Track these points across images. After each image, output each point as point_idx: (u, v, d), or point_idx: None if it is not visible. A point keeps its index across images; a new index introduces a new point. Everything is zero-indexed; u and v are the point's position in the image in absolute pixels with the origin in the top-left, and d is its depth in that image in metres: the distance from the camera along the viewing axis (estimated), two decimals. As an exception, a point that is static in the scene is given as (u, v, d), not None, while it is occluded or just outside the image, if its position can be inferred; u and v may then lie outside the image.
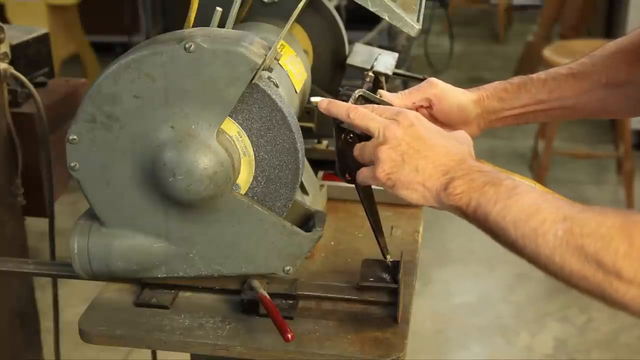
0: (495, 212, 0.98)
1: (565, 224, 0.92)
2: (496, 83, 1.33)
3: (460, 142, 1.09)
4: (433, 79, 1.31)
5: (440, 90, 1.28)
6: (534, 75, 1.33)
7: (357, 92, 1.16)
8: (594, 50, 1.36)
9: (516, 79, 1.34)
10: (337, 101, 1.13)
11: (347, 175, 1.15)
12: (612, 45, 1.34)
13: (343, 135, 1.13)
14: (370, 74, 1.19)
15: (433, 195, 1.04)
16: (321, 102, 1.13)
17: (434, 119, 1.27)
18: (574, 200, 0.99)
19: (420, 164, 1.04)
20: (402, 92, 1.28)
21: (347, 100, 1.15)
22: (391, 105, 1.20)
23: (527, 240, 0.95)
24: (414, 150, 1.05)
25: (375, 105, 1.15)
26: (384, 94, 1.25)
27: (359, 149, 1.11)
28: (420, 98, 1.28)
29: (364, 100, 1.17)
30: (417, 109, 1.26)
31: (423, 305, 3.03)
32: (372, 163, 1.08)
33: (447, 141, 1.07)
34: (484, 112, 1.31)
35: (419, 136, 1.05)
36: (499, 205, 0.97)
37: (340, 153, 1.14)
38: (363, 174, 1.11)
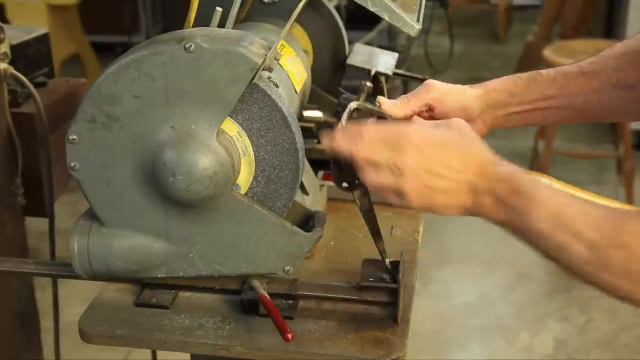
0: (523, 225, 0.98)
1: (589, 235, 0.93)
2: (505, 77, 1.31)
3: (466, 138, 1.05)
4: (430, 82, 1.27)
5: (438, 92, 1.25)
6: (543, 71, 1.30)
7: (352, 105, 1.13)
8: (603, 51, 1.31)
9: (525, 74, 1.30)
10: (337, 136, 1.06)
11: (343, 184, 1.15)
12: (620, 45, 1.30)
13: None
14: (368, 83, 1.16)
15: (468, 211, 1.04)
16: (323, 139, 1.09)
17: (434, 120, 1.25)
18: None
19: (445, 185, 1.02)
20: (401, 98, 1.24)
21: (343, 109, 1.14)
22: (389, 116, 1.18)
23: (557, 252, 0.95)
24: (434, 175, 1.02)
25: (372, 128, 1.06)
26: (382, 102, 1.21)
27: (378, 188, 1.06)
28: (419, 104, 1.24)
29: (355, 111, 1.15)
30: (418, 114, 1.24)
31: (423, 305, 3.03)
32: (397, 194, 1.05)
33: (458, 149, 1.03)
34: (490, 107, 1.28)
35: (431, 158, 1.02)
36: (525, 218, 0.97)
37: (334, 164, 1.12)
38: (396, 204, 1.07)
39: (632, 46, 1.28)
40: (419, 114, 1.25)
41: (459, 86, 1.29)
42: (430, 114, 1.26)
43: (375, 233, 1.20)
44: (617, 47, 1.29)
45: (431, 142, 1.03)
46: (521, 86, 1.29)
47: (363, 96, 1.16)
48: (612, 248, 0.91)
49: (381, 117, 1.18)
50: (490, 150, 1.05)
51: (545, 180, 1.03)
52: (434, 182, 1.02)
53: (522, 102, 1.28)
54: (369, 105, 1.16)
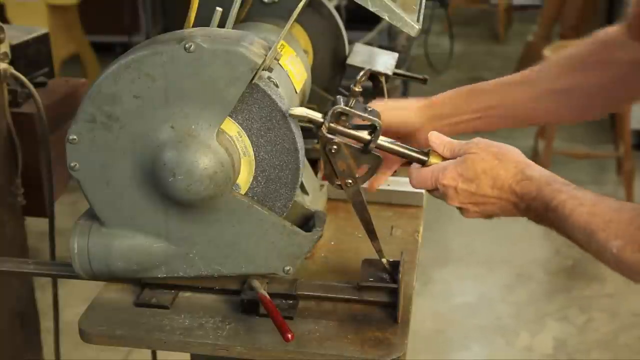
0: (568, 234, 1.06)
1: (618, 241, 0.99)
2: (449, 90, 1.36)
3: (487, 161, 1.11)
4: (375, 103, 1.32)
5: (381, 110, 1.23)
6: (485, 83, 1.36)
7: (336, 108, 1.13)
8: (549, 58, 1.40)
9: (468, 86, 1.36)
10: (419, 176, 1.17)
11: (335, 181, 1.17)
12: (561, 52, 1.37)
13: (326, 146, 1.14)
14: (357, 88, 1.13)
15: (522, 215, 1.12)
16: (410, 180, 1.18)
17: (391, 134, 1.25)
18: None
19: (496, 207, 1.13)
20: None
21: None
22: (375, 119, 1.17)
23: (599, 258, 1.03)
24: (481, 204, 1.13)
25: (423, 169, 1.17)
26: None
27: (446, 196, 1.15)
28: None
29: (344, 115, 1.14)
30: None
31: (423, 305, 3.03)
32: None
33: (487, 177, 1.11)
34: (434, 118, 1.33)
35: (468, 194, 1.12)
36: (567, 229, 1.05)
37: (326, 162, 1.16)
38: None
39: (570, 53, 1.34)
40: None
41: (401, 102, 1.37)
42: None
43: (369, 232, 1.21)
44: (562, 53, 1.36)
45: (462, 179, 1.12)
46: (464, 97, 1.34)
47: (352, 101, 1.13)
48: (638, 253, 0.97)
49: (363, 123, 1.15)
50: (514, 160, 1.11)
51: (567, 189, 1.07)
52: (488, 208, 1.13)
53: (465, 112, 1.34)
54: (355, 111, 1.14)
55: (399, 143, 1.18)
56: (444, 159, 1.16)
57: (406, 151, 1.18)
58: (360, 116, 1.14)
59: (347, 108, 1.13)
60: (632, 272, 1.00)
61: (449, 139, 1.19)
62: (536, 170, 1.10)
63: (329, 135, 1.13)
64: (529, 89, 1.34)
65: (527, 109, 1.35)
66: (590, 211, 1.03)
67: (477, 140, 1.15)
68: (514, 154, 1.13)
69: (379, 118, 1.15)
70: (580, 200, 1.04)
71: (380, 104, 1.32)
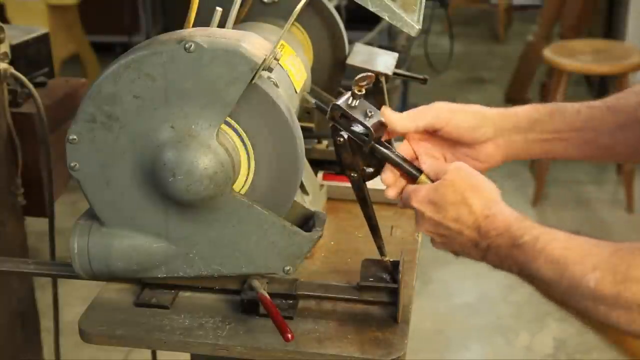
0: (531, 275, 0.99)
1: (596, 273, 0.92)
2: (527, 105, 1.21)
3: (459, 192, 1.06)
4: (437, 102, 1.19)
5: (443, 112, 1.17)
6: (568, 103, 1.22)
7: (335, 107, 1.12)
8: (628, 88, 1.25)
9: (549, 104, 1.21)
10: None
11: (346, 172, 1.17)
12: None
13: (335, 137, 1.15)
14: (356, 90, 1.12)
15: (486, 262, 1.06)
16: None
17: (443, 140, 1.19)
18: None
19: (459, 240, 1.07)
20: (407, 112, 1.18)
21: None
22: (371, 132, 1.14)
23: (570, 297, 0.95)
24: (444, 237, 1.09)
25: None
26: (386, 114, 1.15)
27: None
28: (423, 122, 1.17)
29: (344, 117, 1.13)
30: (423, 133, 1.19)
31: (423, 305, 3.03)
32: None
33: (455, 207, 1.06)
34: (507, 130, 1.18)
35: (435, 221, 1.08)
36: (534, 268, 0.98)
37: (335, 152, 1.16)
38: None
39: None
40: (423, 134, 1.18)
41: (472, 106, 1.20)
42: (436, 134, 1.19)
43: (372, 228, 1.21)
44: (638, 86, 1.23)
45: (431, 207, 1.07)
46: (544, 113, 1.19)
47: (353, 101, 1.12)
48: (621, 284, 0.90)
49: (362, 128, 1.13)
50: (486, 196, 1.06)
51: (540, 227, 1.01)
52: (450, 241, 1.08)
53: (544, 130, 1.18)
54: (351, 114, 1.12)
55: (397, 152, 1.15)
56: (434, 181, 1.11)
57: (401, 162, 1.14)
58: (356, 120, 1.13)
59: (345, 109, 1.13)
60: (610, 307, 0.91)
61: (437, 160, 1.14)
62: (506, 209, 1.04)
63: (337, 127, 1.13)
64: (617, 115, 1.18)
65: (611, 136, 1.18)
66: (565, 246, 0.96)
67: (458, 167, 1.09)
68: (489, 190, 1.07)
69: (379, 122, 1.13)
70: (554, 235, 0.98)
71: (446, 104, 1.18)
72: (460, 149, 1.18)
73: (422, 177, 1.12)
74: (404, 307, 1.18)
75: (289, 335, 1.08)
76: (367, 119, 1.13)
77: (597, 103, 1.20)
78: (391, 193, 1.14)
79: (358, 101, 1.14)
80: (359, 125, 1.14)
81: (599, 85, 5.03)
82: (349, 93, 1.14)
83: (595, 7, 5.02)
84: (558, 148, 1.19)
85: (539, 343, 2.96)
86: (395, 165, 1.14)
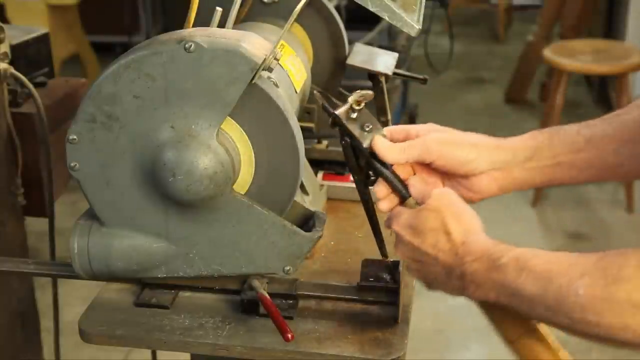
0: (514, 296, 0.96)
1: (584, 280, 0.88)
2: (525, 134, 1.16)
3: (438, 220, 1.04)
4: (433, 129, 1.14)
5: (435, 146, 1.11)
6: (566, 126, 1.16)
7: (334, 116, 1.11)
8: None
9: (547, 128, 1.16)
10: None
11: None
12: None
13: (340, 139, 1.14)
14: (351, 101, 1.11)
15: (462, 295, 1.03)
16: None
17: (436, 171, 1.14)
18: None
19: (432, 269, 1.05)
20: (400, 144, 1.12)
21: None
22: (364, 148, 1.12)
23: (556, 311, 0.91)
24: (420, 262, 1.06)
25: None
26: (378, 145, 1.11)
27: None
28: (414, 156, 1.12)
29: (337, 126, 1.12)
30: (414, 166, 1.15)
31: (423, 305, 3.02)
32: None
33: (433, 235, 1.03)
34: (503, 162, 1.13)
35: (411, 248, 1.06)
36: (515, 288, 0.95)
37: (343, 152, 1.16)
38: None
39: None
40: (416, 164, 1.15)
41: (466, 137, 1.14)
42: (429, 166, 1.14)
43: (374, 227, 1.20)
44: None
45: (410, 231, 1.06)
46: (542, 140, 1.13)
47: (354, 113, 1.11)
48: (612, 285, 0.86)
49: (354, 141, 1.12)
50: (466, 224, 1.03)
51: (518, 248, 0.99)
52: (426, 268, 1.06)
53: (544, 157, 1.13)
54: (348, 127, 1.11)
55: (391, 169, 1.12)
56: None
57: (393, 180, 1.11)
58: (350, 134, 1.11)
59: (343, 121, 1.11)
60: (601, 314, 0.87)
61: (425, 185, 1.11)
62: (485, 237, 1.02)
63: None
64: (619, 129, 1.12)
65: (617, 154, 1.11)
66: (547, 260, 0.93)
67: (442, 193, 1.07)
68: (470, 219, 1.04)
69: (380, 138, 1.11)
70: (534, 253, 0.95)
71: (438, 137, 1.12)
72: (457, 179, 1.14)
73: (410, 200, 1.10)
74: (404, 307, 1.18)
75: (289, 335, 1.08)
76: (365, 132, 1.11)
77: (597, 121, 1.15)
78: (383, 206, 1.13)
79: (357, 113, 1.12)
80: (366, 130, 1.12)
81: (599, 85, 5.03)
82: (349, 102, 1.12)
83: (595, 7, 5.02)
84: (561, 173, 1.13)
85: (539, 343, 2.96)
86: (388, 182, 1.12)
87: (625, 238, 3.54)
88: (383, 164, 1.12)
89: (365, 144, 1.11)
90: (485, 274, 0.98)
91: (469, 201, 1.14)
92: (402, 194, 1.11)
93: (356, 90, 1.18)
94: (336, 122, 1.13)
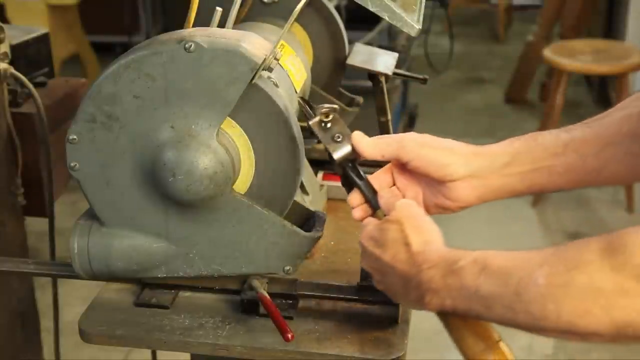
0: (471, 299, 0.93)
1: (543, 269, 0.86)
2: (502, 141, 1.14)
3: (416, 234, 1.03)
4: (410, 134, 1.13)
5: (413, 146, 1.10)
6: (544, 131, 1.13)
7: (310, 123, 1.11)
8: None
9: (524, 135, 1.14)
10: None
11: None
12: (631, 98, 1.13)
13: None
14: (325, 118, 1.12)
15: (421, 306, 1.01)
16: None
17: (419, 175, 1.13)
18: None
19: (390, 280, 1.05)
20: (378, 139, 1.12)
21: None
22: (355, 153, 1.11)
23: (516, 307, 0.88)
24: (381, 274, 1.07)
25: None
26: (356, 140, 1.11)
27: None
28: (389, 153, 1.11)
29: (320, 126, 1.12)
30: (396, 164, 1.15)
31: (423, 305, 3.02)
32: None
33: (392, 247, 1.03)
34: (481, 169, 1.11)
35: (374, 260, 1.06)
36: (472, 289, 0.93)
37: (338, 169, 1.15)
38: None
39: None
40: (399, 166, 1.14)
41: (445, 141, 1.13)
42: (404, 166, 1.14)
43: None
44: (623, 102, 1.13)
45: (373, 242, 1.06)
46: (520, 145, 1.11)
47: (327, 124, 1.12)
48: (572, 270, 0.84)
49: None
50: (426, 235, 1.02)
51: (476, 251, 0.97)
52: (386, 279, 1.06)
53: (522, 162, 1.10)
54: (319, 136, 1.11)
55: (365, 180, 1.12)
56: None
57: (365, 191, 1.11)
58: (320, 141, 1.11)
59: (316, 130, 1.11)
60: (561, 301, 0.84)
61: (393, 196, 1.11)
62: (444, 246, 1.01)
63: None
64: (600, 131, 1.09)
65: (598, 157, 1.08)
66: (507, 257, 0.91)
67: (404, 205, 1.06)
68: (430, 232, 1.03)
69: (348, 149, 1.10)
70: (492, 253, 0.93)
71: (418, 137, 1.11)
72: (436, 186, 1.12)
73: (379, 211, 1.10)
74: (404, 307, 1.18)
75: (289, 335, 1.08)
76: (335, 143, 1.11)
77: (577, 125, 1.12)
78: (356, 214, 1.12)
79: (330, 124, 1.11)
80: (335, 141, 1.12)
81: (599, 85, 5.04)
82: (318, 116, 1.11)
83: (595, 7, 5.03)
84: (540, 179, 1.10)
85: (539, 343, 2.96)
86: (361, 191, 1.12)
87: (625, 238, 3.53)
88: (358, 173, 1.12)
89: (335, 155, 1.11)
90: (441, 280, 0.96)
91: (449, 211, 1.14)
92: (372, 204, 1.11)
93: (356, 90, 1.19)
94: (311, 132, 1.13)
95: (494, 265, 0.92)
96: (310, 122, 1.12)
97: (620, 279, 0.81)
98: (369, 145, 1.11)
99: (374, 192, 1.12)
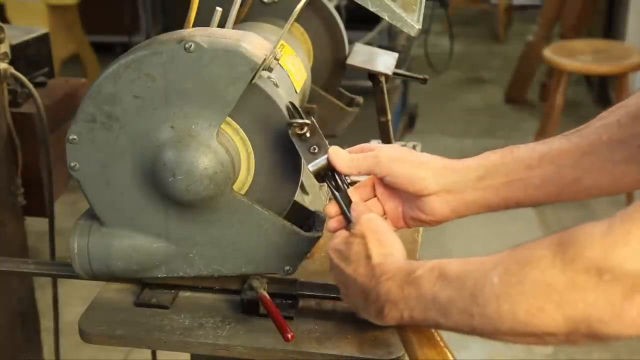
0: (427, 308, 0.93)
1: (498, 269, 0.85)
2: (479, 155, 1.12)
3: (379, 247, 1.02)
4: (384, 148, 1.13)
5: (385, 161, 1.10)
6: (521, 145, 1.11)
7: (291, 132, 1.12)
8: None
9: (500, 149, 1.12)
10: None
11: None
12: (610, 109, 1.10)
13: None
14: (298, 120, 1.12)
15: (381, 320, 1.00)
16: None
17: (396, 194, 1.14)
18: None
19: (352, 292, 1.05)
20: (354, 156, 1.12)
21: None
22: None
23: (472, 310, 0.87)
24: (345, 286, 1.06)
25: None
26: (332, 156, 1.11)
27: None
28: (364, 169, 1.11)
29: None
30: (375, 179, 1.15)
31: (423, 305, 3.02)
32: None
33: (356, 260, 1.03)
34: (455, 183, 1.09)
35: (340, 269, 1.05)
36: (429, 297, 0.92)
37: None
38: None
39: (624, 103, 1.09)
40: (378, 186, 1.15)
41: (417, 155, 1.12)
42: (389, 188, 1.14)
43: None
44: (602, 113, 1.10)
45: (338, 255, 1.06)
46: (495, 158, 1.10)
47: (306, 133, 1.11)
48: (525, 267, 0.82)
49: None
50: (387, 248, 1.02)
51: (435, 260, 0.96)
52: (349, 291, 1.06)
53: (498, 174, 1.08)
54: (297, 146, 1.11)
55: (342, 193, 1.11)
56: None
57: (341, 203, 1.11)
58: (298, 150, 1.11)
59: (295, 139, 1.11)
60: (515, 301, 0.82)
61: (364, 209, 1.10)
62: (404, 258, 1.01)
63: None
64: (578, 141, 1.07)
65: (575, 167, 1.06)
66: (463, 262, 0.91)
67: (369, 218, 1.06)
68: (393, 244, 1.03)
69: (324, 161, 1.10)
70: (449, 260, 0.93)
71: (390, 151, 1.12)
72: (412, 200, 1.12)
73: (351, 224, 1.09)
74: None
75: (289, 335, 1.08)
76: (311, 155, 1.11)
77: (555, 138, 1.10)
78: (330, 225, 1.13)
79: (309, 134, 1.11)
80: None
81: (599, 85, 5.04)
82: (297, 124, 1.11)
83: (595, 7, 5.03)
84: (516, 192, 1.08)
85: (539, 343, 2.96)
86: (338, 203, 1.12)
87: (625, 238, 3.53)
88: (336, 184, 1.12)
89: (310, 168, 1.11)
90: (399, 290, 0.95)
91: (427, 224, 1.14)
92: (346, 217, 1.11)
93: (356, 90, 1.18)
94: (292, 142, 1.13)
95: (450, 271, 0.91)
96: (289, 131, 1.11)
97: (571, 274, 0.79)
98: (345, 161, 1.11)
99: (350, 204, 1.12)
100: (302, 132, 1.11)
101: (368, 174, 1.13)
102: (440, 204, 1.11)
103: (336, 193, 1.12)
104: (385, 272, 0.98)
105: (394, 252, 1.02)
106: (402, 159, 1.10)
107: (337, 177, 1.12)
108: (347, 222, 1.11)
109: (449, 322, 0.91)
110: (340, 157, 1.11)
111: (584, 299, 0.78)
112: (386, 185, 1.13)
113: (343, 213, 1.11)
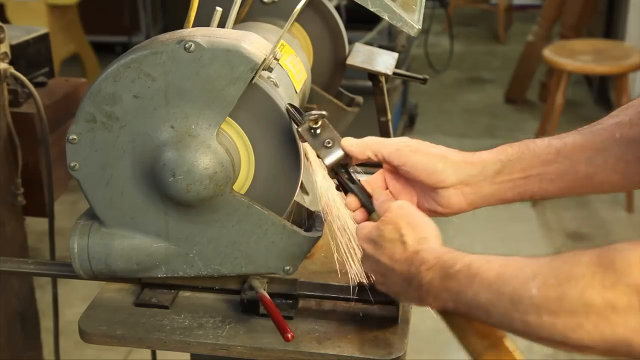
0: (469, 303, 0.94)
1: (536, 280, 0.86)
2: (494, 148, 1.14)
3: (395, 232, 1.04)
4: (404, 139, 1.14)
5: (405, 150, 1.11)
6: (537, 139, 1.13)
7: (298, 130, 1.12)
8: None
9: (517, 143, 1.14)
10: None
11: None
12: (621, 107, 1.13)
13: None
14: (313, 124, 1.12)
15: (423, 305, 1.02)
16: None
17: (413, 180, 1.13)
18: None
19: (392, 280, 1.05)
20: (368, 140, 1.12)
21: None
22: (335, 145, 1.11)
23: (512, 315, 0.89)
24: (382, 275, 1.07)
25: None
26: (344, 143, 1.11)
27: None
28: (382, 154, 1.12)
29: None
30: (389, 169, 1.15)
31: (423, 305, 3.02)
32: None
33: (391, 248, 1.04)
34: (472, 177, 1.11)
35: (374, 258, 1.06)
36: (470, 295, 0.93)
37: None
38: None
39: (632, 104, 1.11)
40: (392, 171, 1.15)
41: (437, 148, 1.13)
42: (396, 171, 1.14)
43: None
44: (615, 111, 1.13)
45: (372, 244, 1.06)
46: (512, 153, 1.11)
47: (317, 129, 1.11)
48: (565, 284, 0.84)
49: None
50: (421, 233, 1.03)
51: (472, 255, 0.97)
52: (387, 280, 1.06)
53: (514, 170, 1.10)
54: (308, 142, 1.11)
55: (359, 185, 1.12)
56: None
57: (359, 195, 1.11)
58: (312, 146, 1.11)
59: (306, 137, 1.10)
60: (555, 314, 0.84)
61: (388, 198, 1.10)
62: (438, 245, 1.02)
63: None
64: (592, 137, 1.09)
65: (589, 164, 1.08)
66: (500, 264, 0.92)
67: (400, 205, 1.07)
68: (425, 229, 1.04)
69: (340, 153, 1.10)
70: (487, 258, 0.94)
71: (411, 142, 1.12)
72: (427, 192, 1.13)
73: (374, 214, 1.10)
74: (404, 307, 1.18)
75: (289, 335, 1.08)
76: (325, 149, 1.11)
77: (569, 133, 1.12)
78: (357, 216, 1.13)
79: (320, 129, 1.11)
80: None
81: (599, 85, 5.04)
82: (307, 122, 1.11)
83: (595, 7, 5.02)
84: (532, 186, 1.11)
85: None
86: (355, 195, 1.12)
87: (625, 238, 3.50)
88: (350, 178, 1.12)
89: (327, 161, 1.11)
90: (441, 283, 0.96)
91: (441, 215, 1.14)
92: (368, 207, 1.11)
93: (356, 90, 1.18)
94: (301, 138, 1.12)
95: (487, 273, 0.92)
96: (300, 129, 1.11)
97: (611, 298, 0.80)
98: (359, 145, 1.11)
99: (368, 195, 1.12)
100: (317, 125, 1.10)
101: (384, 161, 1.13)
102: (457, 196, 1.12)
103: (353, 186, 1.12)
104: (425, 261, 0.99)
105: (427, 236, 1.03)
106: (421, 150, 1.11)
107: (350, 170, 1.12)
108: (369, 213, 1.11)
109: (491, 320, 0.93)
110: (355, 143, 1.12)
111: (624, 324, 0.80)
112: (399, 177, 1.14)
113: (363, 204, 1.11)
